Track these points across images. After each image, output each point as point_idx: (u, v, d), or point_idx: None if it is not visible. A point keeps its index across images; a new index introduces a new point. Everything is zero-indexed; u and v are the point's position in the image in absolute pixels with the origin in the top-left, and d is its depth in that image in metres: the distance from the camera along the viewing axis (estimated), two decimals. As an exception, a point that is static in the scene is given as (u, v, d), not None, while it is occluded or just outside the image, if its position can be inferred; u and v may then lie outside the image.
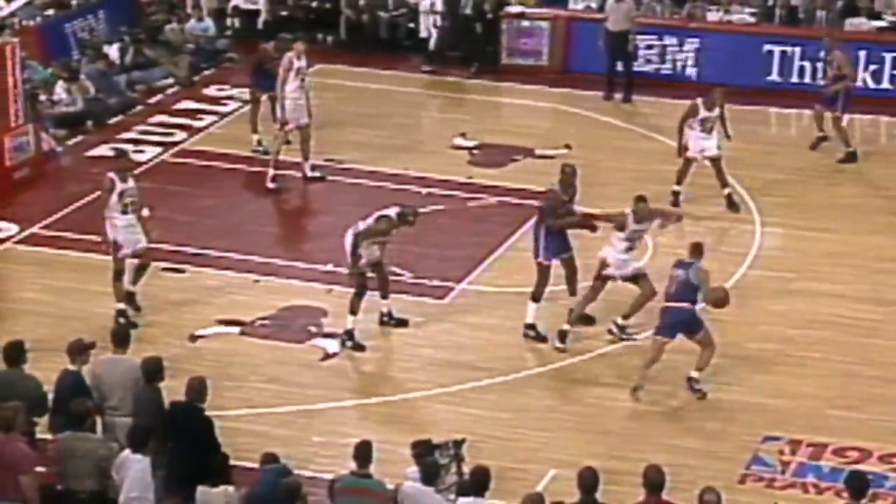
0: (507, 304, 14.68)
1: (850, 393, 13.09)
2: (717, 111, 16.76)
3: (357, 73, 21.49)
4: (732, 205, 16.83)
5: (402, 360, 13.91)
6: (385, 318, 14.27)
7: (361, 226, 13.90)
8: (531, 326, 13.97)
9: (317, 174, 17.77)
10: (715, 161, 16.82)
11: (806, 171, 18.10)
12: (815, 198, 17.18)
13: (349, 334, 13.92)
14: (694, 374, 13.06)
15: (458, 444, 11.33)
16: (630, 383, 13.09)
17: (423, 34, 22.00)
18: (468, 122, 19.57)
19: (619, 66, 20.50)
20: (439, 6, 21.86)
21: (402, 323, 14.27)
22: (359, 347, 13.86)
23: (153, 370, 10.95)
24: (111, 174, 14.19)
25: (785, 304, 14.66)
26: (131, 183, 14.15)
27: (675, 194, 17.10)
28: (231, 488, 10.23)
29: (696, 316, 12.96)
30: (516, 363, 13.65)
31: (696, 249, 13.14)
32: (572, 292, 14.10)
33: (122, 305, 14.12)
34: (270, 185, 17.49)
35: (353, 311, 13.90)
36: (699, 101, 16.82)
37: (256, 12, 22.99)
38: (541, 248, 13.93)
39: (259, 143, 18.51)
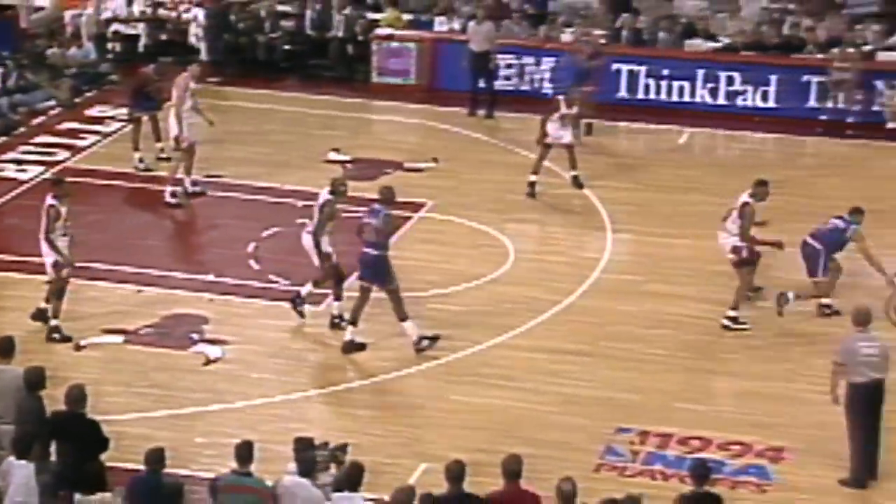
0: (382, 308, 14.71)
1: (692, 387, 13.38)
2: (575, 109, 17.73)
3: (236, 92, 21.33)
4: (579, 185, 17.79)
5: (281, 363, 13.85)
6: (336, 321, 14.25)
7: (310, 226, 13.93)
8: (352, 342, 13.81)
9: (197, 189, 17.62)
10: (570, 148, 17.71)
11: (652, 181, 18.44)
12: (661, 206, 17.53)
13: (341, 318, 14.11)
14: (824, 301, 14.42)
15: (341, 448, 11.32)
16: (495, 382, 13.26)
17: (193, 43, 22.21)
18: (342, 138, 19.56)
19: (482, 84, 20.70)
20: (202, 19, 21.97)
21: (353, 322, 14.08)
22: (352, 323, 13.90)
23: (35, 380, 10.76)
24: (54, 202, 13.89)
25: (635, 305, 14.93)
26: (65, 208, 13.98)
27: (532, 185, 17.48)
28: (108, 495, 10.11)
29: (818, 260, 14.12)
30: (389, 364, 13.69)
31: (857, 212, 14.30)
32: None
33: (56, 321, 13.94)
34: (171, 199, 17.27)
35: (338, 298, 14.19)
36: (561, 98, 17.72)
37: (136, 37, 22.72)
38: (392, 274, 13.75)
39: (140, 160, 18.31)
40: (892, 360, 11.97)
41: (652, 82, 20.87)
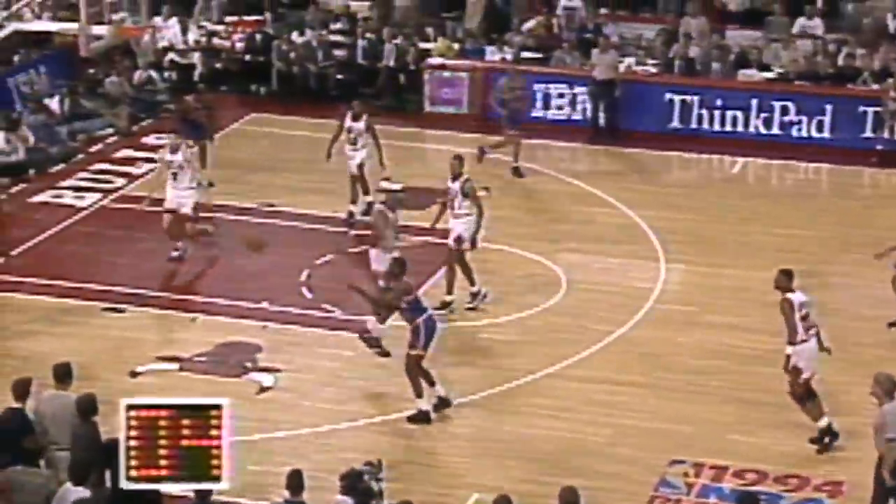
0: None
1: (747, 418, 13.21)
2: (362, 123, 17.68)
3: (288, 121, 21.43)
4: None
5: (333, 391, 13.81)
6: None
7: None
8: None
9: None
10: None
11: (705, 210, 18.31)
12: (714, 236, 17.37)
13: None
14: None
15: (377, 465, 11.25)
16: (548, 412, 13.12)
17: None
18: (394, 167, 19.55)
19: (602, 113, 20.48)
20: None
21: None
22: None
23: (87, 406, 10.79)
24: None
25: (688, 335, 14.79)
26: None
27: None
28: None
29: None
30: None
31: None
32: None
33: None
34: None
35: None
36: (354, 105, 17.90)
37: (192, 66, 22.89)
38: None
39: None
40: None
41: (705, 112, 20.74)
